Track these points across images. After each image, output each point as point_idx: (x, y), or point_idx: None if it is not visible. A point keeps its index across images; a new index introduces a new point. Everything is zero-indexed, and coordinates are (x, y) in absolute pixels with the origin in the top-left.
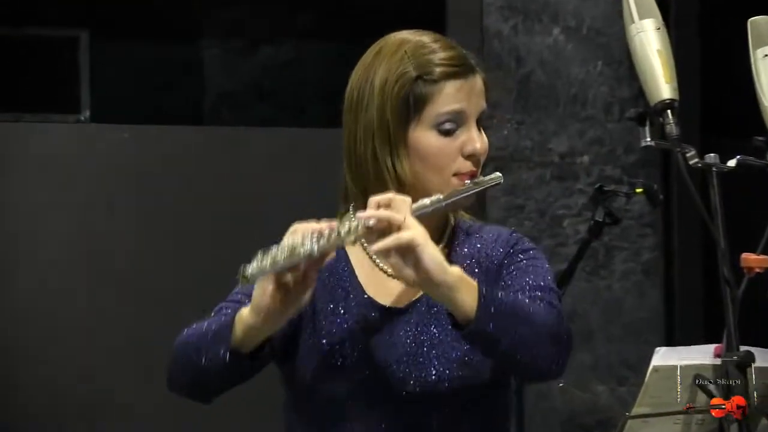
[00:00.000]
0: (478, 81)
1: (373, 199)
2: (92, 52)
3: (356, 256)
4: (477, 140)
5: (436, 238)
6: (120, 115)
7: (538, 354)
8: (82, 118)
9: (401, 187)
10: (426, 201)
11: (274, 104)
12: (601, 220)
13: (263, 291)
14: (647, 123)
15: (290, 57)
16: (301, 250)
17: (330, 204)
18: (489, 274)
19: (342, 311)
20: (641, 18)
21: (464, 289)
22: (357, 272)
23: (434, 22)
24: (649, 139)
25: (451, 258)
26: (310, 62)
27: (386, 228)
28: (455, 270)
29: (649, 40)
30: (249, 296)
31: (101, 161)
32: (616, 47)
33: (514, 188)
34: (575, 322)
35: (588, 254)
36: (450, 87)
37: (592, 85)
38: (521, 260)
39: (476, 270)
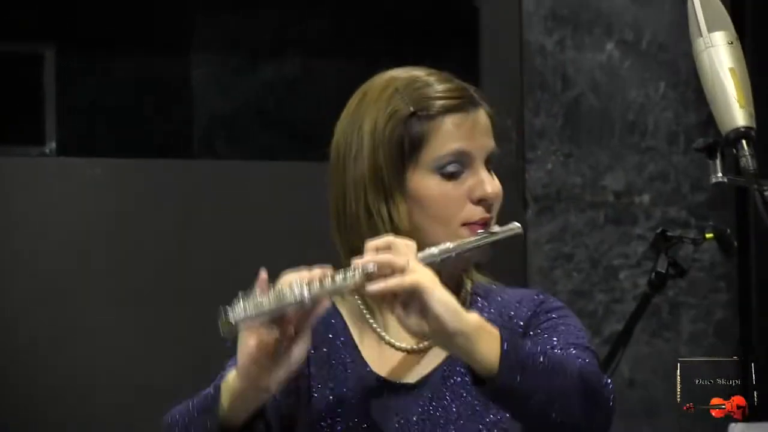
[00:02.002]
0: (482, 116)
1: (371, 243)
2: (59, 72)
3: (357, 326)
4: (487, 182)
5: None
6: (92, 147)
7: (575, 412)
8: (47, 151)
9: None
10: (434, 250)
11: (277, 132)
12: (664, 271)
13: (245, 348)
14: (718, 155)
15: (297, 75)
16: (290, 297)
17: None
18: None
19: (342, 389)
20: (711, 31)
21: (484, 337)
22: (358, 343)
23: (464, 34)
24: (720, 174)
25: None
26: (321, 81)
27: (388, 275)
28: (472, 316)
29: (720, 57)
30: None
31: (70, 202)
32: (683, 65)
33: (561, 233)
34: (635, 392)
35: (649, 312)
36: (450, 123)
37: (653, 111)
38: (550, 318)
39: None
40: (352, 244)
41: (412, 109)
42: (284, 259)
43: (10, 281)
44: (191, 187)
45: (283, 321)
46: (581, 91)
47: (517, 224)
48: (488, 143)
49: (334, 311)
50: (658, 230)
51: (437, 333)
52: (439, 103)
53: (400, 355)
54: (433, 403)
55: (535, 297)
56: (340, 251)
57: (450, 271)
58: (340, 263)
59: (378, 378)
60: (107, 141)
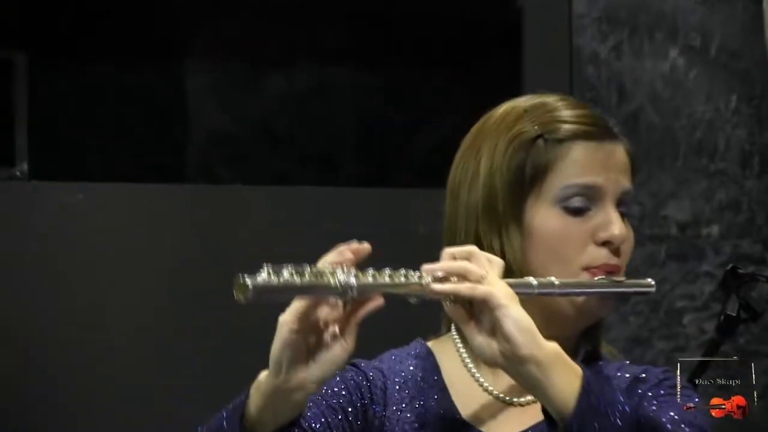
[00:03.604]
0: (619, 151)
1: (449, 250)
2: (32, 82)
3: (449, 364)
4: (615, 223)
5: None
6: (70, 169)
7: None
8: (18, 173)
9: None
10: (532, 280)
11: (287, 154)
12: (734, 314)
13: (280, 333)
14: None
15: (310, 88)
16: (332, 280)
17: None
18: None
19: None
20: None
21: (561, 370)
22: (449, 385)
23: (506, 39)
24: None
25: None
26: (339, 95)
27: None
28: (551, 345)
29: None
30: None
31: (45, 232)
32: (758, 75)
33: None
34: None
35: (717, 362)
36: (579, 150)
37: (723, 128)
38: (668, 393)
39: None
40: None
41: (538, 130)
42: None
43: None
44: (186, 216)
45: (322, 311)
46: (640, 105)
47: (650, 281)
48: (624, 181)
49: (420, 344)
50: (729, 267)
51: (507, 356)
52: (570, 127)
53: (496, 404)
54: None
55: (661, 372)
56: None
57: (563, 322)
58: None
59: (468, 427)
60: (89, 162)
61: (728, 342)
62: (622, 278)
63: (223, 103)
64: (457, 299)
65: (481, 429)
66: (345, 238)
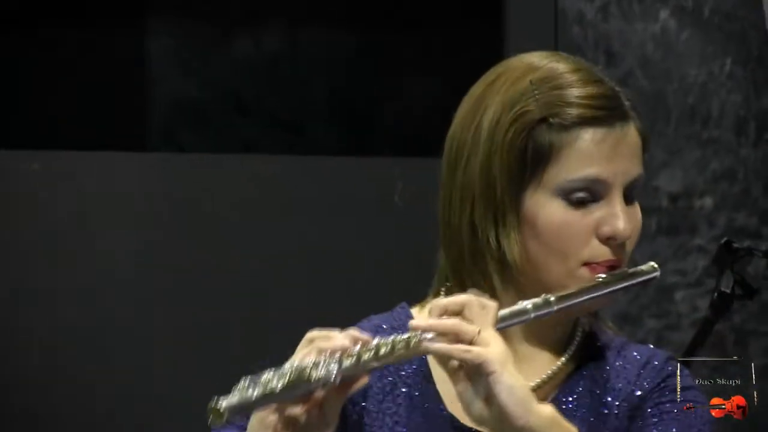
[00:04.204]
0: (631, 133)
1: (439, 303)
2: None
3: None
4: (621, 217)
5: (557, 350)
6: (25, 137)
7: None
8: None
9: (507, 274)
10: (527, 304)
11: (254, 120)
12: (729, 291)
13: (262, 425)
14: None
15: (279, 50)
16: (314, 373)
17: (338, 269)
18: (620, 419)
19: (403, 428)
20: None
21: None
22: (433, 368)
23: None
24: None
25: (571, 386)
26: (310, 58)
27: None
28: (545, 409)
29: None
30: None
31: (2, 204)
32: (754, 38)
33: None
34: None
35: (711, 341)
36: (587, 139)
37: (717, 93)
38: (674, 400)
39: (602, 413)
40: (454, 263)
41: (542, 112)
42: (259, 275)
43: None
44: (148, 186)
45: (305, 399)
46: (629, 70)
47: (653, 265)
48: (632, 169)
49: (405, 311)
50: (723, 241)
51: (498, 424)
52: (577, 111)
53: None
54: None
55: (665, 364)
56: (442, 265)
57: (559, 318)
58: (338, 282)
59: (454, 422)
60: (45, 131)
61: (723, 320)
62: (623, 270)
63: (187, 66)
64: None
65: (470, 426)
66: (317, 209)
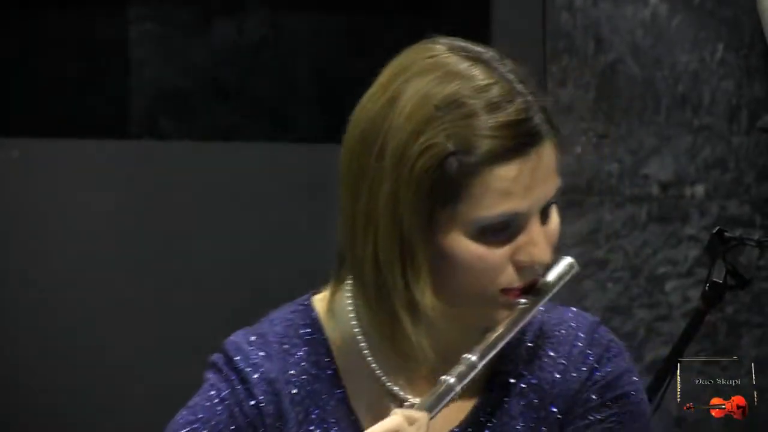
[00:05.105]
0: (546, 153)
1: None
2: None
3: (342, 341)
4: (538, 244)
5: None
6: (3, 124)
7: None
8: None
9: (417, 313)
10: (450, 380)
11: (238, 107)
12: (721, 281)
13: None
14: None
15: (263, 36)
16: None
17: (324, 257)
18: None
19: None
20: None
21: None
22: (344, 375)
23: None
24: None
25: (498, 394)
26: (294, 44)
27: None
28: None
29: None
30: None
31: None
32: (746, 23)
33: (592, 235)
34: None
35: (702, 333)
36: (502, 175)
37: (709, 80)
38: (609, 415)
39: (539, 414)
40: (360, 292)
41: (450, 148)
42: (241, 264)
43: None
44: (129, 174)
45: None
46: (619, 56)
47: (570, 260)
48: (550, 190)
49: (317, 340)
50: (715, 230)
51: None
52: (489, 144)
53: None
54: None
55: (592, 339)
56: (344, 257)
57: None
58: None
59: None
60: (24, 118)
61: (715, 311)
62: (544, 282)
63: (168, 52)
64: None
65: None
66: (300, 198)
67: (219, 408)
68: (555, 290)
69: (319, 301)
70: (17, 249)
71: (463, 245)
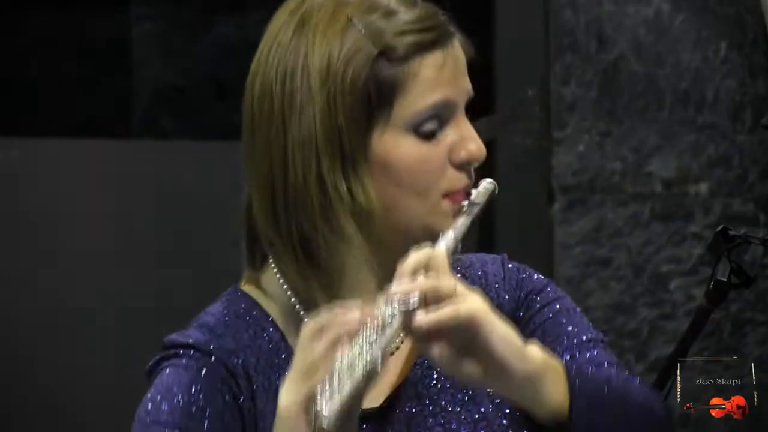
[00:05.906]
0: (458, 49)
1: (405, 266)
2: None
3: (294, 334)
4: (472, 140)
5: None
6: (4, 124)
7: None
8: None
9: (364, 226)
10: (446, 245)
11: (239, 106)
12: (725, 279)
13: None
14: None
15: (261, 34)
16: (361, 363)
17: None
18: None
19: None
20: None
21: (550, 376)
22: None
23: None
24: None
25: None
26: None
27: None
28: (534, 352)
29: None
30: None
31: None
32: (749, 21)
33: (595, 233)
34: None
35: (707, 331)
36: (429, 65)
37: (712, 78)
38: (545, 306)
39: None
40: (300, 228)
41: (376, 48)
42: (242, 263)
43: None
44: (131, 173)
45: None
46: (621, 53)
47: (490, 181)
48: (468, 85)
49: (258, 316)
50: (718, 228)
51: (496, 378)
52: (413, 39)
53: None
54: (411, 428)
55: (513, 272)
56: (273, 238)
57: (409, 243)
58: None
59: None
60: (25, 117)
61: (719, 309)
62: (475, 192)
63: (169, 52)
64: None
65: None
66: None
67: (198, 381)
68: (485, 197)
69: (247, 287)
70: (17, 249)
71: (403, 146)
